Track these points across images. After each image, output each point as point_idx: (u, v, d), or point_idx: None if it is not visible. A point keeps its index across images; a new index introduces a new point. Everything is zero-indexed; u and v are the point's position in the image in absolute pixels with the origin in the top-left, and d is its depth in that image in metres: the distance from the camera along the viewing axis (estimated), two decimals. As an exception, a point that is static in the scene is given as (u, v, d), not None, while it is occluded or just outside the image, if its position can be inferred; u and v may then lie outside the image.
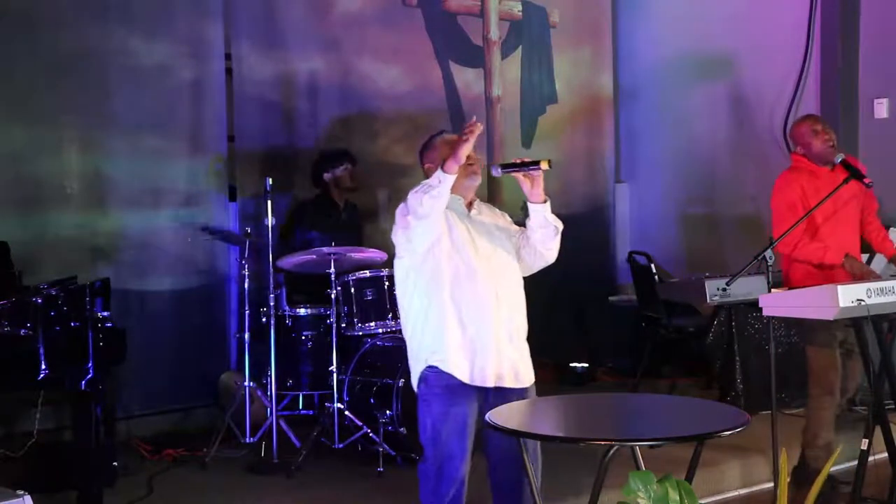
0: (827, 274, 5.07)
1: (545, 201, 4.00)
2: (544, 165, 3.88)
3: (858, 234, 5.33)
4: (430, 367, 3.96)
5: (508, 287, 4.05)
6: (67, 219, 6.19)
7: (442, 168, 3.80)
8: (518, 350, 4.06)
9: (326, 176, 6.61)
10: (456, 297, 3.95)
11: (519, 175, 3.94)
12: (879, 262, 6.29)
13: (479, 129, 3.83)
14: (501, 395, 3.96)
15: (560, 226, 4.07)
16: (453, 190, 3.94)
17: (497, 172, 4.00)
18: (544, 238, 4.06)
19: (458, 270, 3.96)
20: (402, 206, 3.93)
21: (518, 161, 3.95)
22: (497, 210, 4.26)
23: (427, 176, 3.99)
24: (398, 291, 4.13)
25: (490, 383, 3.97)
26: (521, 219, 4.17)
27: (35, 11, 6.05)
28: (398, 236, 4.00)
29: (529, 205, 4.03)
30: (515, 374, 4.03)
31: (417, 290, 3.99)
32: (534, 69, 8.40)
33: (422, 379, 4.00)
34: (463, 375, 3.94)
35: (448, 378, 3.94)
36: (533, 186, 3.95)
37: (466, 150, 3.81)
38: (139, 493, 5.19)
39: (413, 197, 3.84)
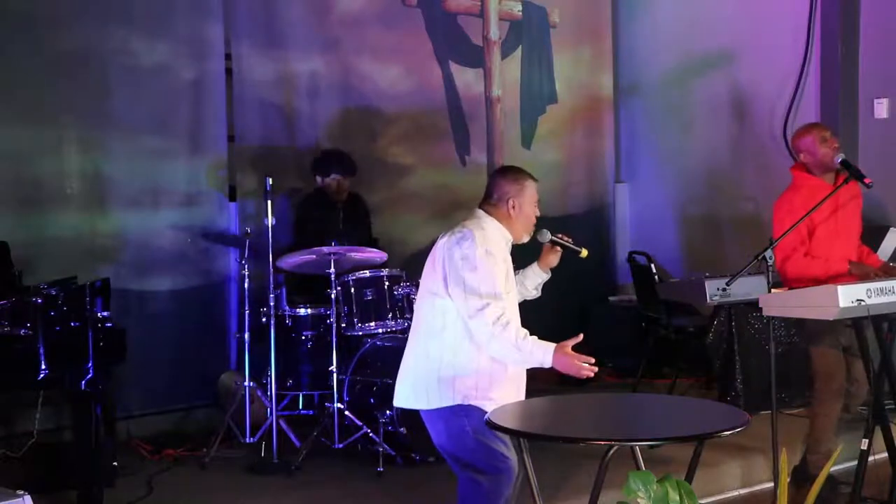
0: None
1: (548, 276, 4.31)
2: (584, 254, 4.29)
3: (859, 235, 5.32)
4: (469, 405, 3.92)
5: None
6: (67, 219, 6.19)
7: (548, 360, 3.80)
8: None
9: (317, 180, 6.61)
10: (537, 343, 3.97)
11: (554, 249, 4.27)
12: (886, 250, 6.29)
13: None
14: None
15: (538, 296, 4.35)
16: (512, 234, 4.11)
17: (545, 238, 4.28)
18: (524, 297, 4.29)
19: (512, 311, 4.02)
20: (495, 312, 3.84)
21: (565, 240, 4.28)
22: None
23: (501, 200, 4.07)
24: (432, 306, 4.00)
25: None
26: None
27: (35, 11, 6.05)
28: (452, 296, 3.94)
29: (537, 269, 4.29)
30: None
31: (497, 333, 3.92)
32: (534, 69, 8.40)
33: (458, 403, 3.94)
34: None
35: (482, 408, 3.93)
36: (553, 261, 4.28)
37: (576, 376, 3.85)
38: (139, 493, 5.20)
39: (507, 346, 3.83)
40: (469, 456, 3.95)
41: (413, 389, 4.03)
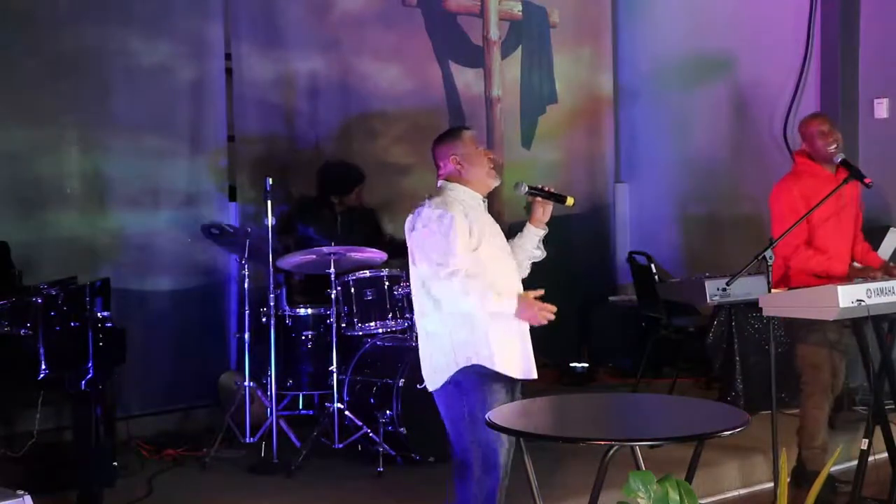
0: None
1: (544, 231, 4.18)
2: (569, 202, 4.09)
3: (853, 237, 5.32)
4: (472, 364, 3.95)
5: (520, 284, 4.13)
6: (67, 219, 6.19)
7: (516, 311, 3.91)
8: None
9: (333, 198, 6.61)
10: (501, 294, 3.99)
11: (538, 200, 4.11)
12: (885, 250, 6.29)
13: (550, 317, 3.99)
14: (522, 385, 4.11)
15: (543, 256, 4.24)
16: (476, 188, 4.10)
17: (522, 190, 4.12)
18: (528, 259, 4.22)
19: (499, 268, 4.02)
20: (441, 267, 3.89)
21: (547, 189, 4.11)
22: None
23: (447, 165, 4.11)
24: (419, 287, 4.05)
25: (533, 375, 4.08)
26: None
27: (35, 11, 6.05)
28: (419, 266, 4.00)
29: (530, 227, 4.20)
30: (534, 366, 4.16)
31: (453, 288, 3.95)
32: (534, 69, 8.39)
33: (459, 370, 3.97)
34: (511, 370, 3.99)
35: (485, 369, 3.95)
36: (544, 214, 4.15)
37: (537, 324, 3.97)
38: (139, 493, 5.20)
39: (466, 296, 3.88)
40: (461, 443, 3.99)
41: (431, 370, 4.08)
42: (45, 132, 6.11)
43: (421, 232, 3.96)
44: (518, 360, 4.04)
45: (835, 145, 5.14)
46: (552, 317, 3.96)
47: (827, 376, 5.11)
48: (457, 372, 3.97)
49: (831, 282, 4.81)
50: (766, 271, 4.73)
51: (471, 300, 3.88)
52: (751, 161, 7.82)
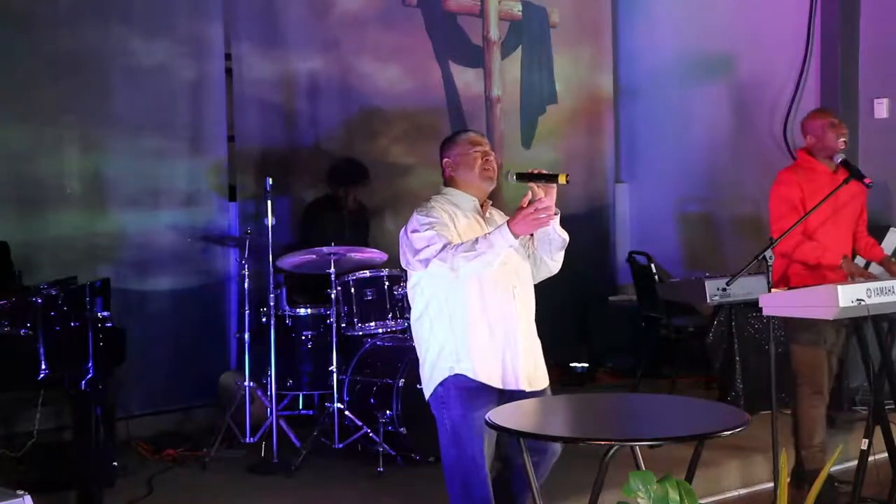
0: (821, 275, 5.05)
1: (556, 214, 3.93)
2: (562, 180, 3.83)
3: (853, 236, 5.33)
4: (454, 375, 3.92)
5: (523, 286, 4.05)
6: (67, 219, 6.19)
7: (506, 233, 3.71)
8: (537, 350, 4.08)
9: (340, 190, 6.63)
10: (483, 302, 3.93)
11: (533, 185, 3.88)
12: (885, 250, 6.29)
13: (554, 213, 3.81)
14: (522, 397, 3.95)
15: (567, 238, 4.06)
16: (470, 191, 4.05)
17: (511, 180, 3.94)
18: (551, 249, 4.06)
19: (483, 275, 3.89)
20: (427, 248, 3.82)
21: (536, 172, 3.89)
22: (505, 215, 4.24)
23: (444, 169, 4.08)
24: (410, 294, 4.07)
25: (522, 385, 3.96)
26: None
27: (35, 11, 6.05)
28: (413, 268, 3.95)
29: None
30: (538, 375, 4.04)
31: (437, 294, 3.94)
32: (534, 69, 8.40)
33: (440, 382, 3.95)
34: (493, 380, 3.92)
35: (467, 381, 3.91)
36: (547, 196, 3.86)
37: (540, 227, 3.81)
38: (139, 493, 5.19)
39: (455, 255, 3.75)
40: (446, 456, 3.97)
41: (422, 377, 4.07)
42: (45, 132, 6.11)
43: (411, 236, 3.92)
44: (511, 372, 3.94)
45: (844, 138, 5.15)
46: (553, 209, 3.78)
47: (822, 376, 5.12)
48: (438, 384, 3.95)
49: (830, 281, 4.81)
50: (766, 271, 4.74)
51: (464, 251, 3.74)
52: (751, 161, 7.82)
